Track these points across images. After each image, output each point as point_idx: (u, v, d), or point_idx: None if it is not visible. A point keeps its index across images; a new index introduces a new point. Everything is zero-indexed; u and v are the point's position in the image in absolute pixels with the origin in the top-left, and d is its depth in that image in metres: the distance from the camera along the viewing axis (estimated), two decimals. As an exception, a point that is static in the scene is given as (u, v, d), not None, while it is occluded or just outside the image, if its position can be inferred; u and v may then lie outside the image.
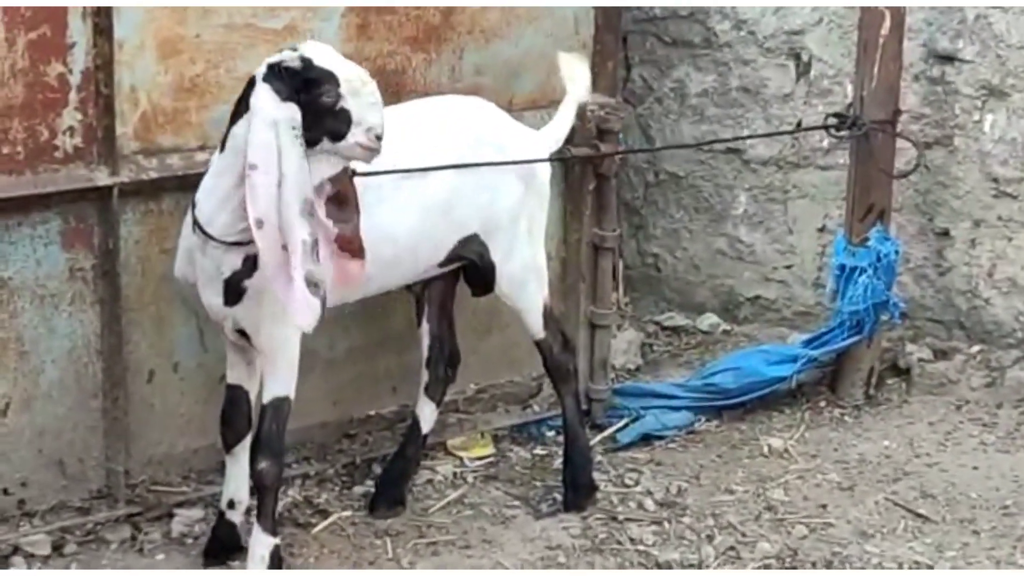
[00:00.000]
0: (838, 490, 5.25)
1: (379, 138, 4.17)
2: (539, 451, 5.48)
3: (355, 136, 4.15)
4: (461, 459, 5.36)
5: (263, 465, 4.42)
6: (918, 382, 5.93)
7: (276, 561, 4.50)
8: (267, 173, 4.07)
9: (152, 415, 4.88)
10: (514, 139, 4.87)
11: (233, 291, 4.32)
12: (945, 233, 6.02)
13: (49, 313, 4.62)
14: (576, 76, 5.03)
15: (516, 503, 5.11)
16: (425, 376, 5.08)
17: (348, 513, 4.98)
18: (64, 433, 4.73)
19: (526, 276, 4.92)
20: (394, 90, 5.01)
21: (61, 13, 4.42)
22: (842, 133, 5.66)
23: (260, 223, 4.09)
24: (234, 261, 4.30)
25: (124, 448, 4.79)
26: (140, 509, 4.83)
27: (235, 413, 4.58)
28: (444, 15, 5.08)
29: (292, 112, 4.08)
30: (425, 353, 5.07)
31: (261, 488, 4.46)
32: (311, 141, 4.12)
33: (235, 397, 4.58)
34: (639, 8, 6.31)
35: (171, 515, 4.87)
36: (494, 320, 5.46)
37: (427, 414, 5.09)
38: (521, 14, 5.24)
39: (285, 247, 4.08)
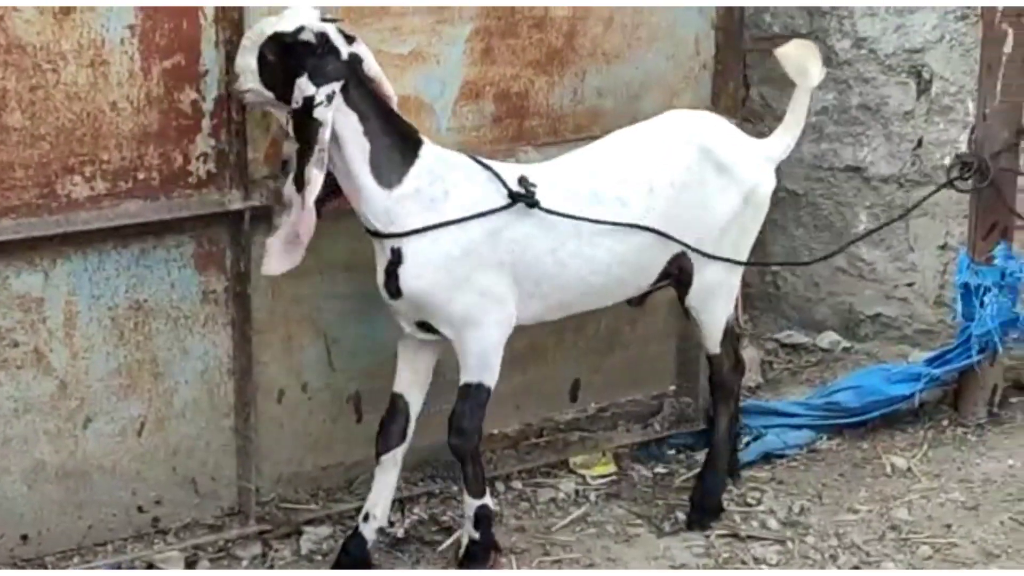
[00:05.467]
0: (962, 510, 5.22)
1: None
2: (660, 469, 5.49)
3: None
4: (583, 477, 5.39)
5: (453, 441, 4.56)
6: (1041, 400, 5.90)
7: (486, 521, 4.66)
8: None
9: (281, 434, 4.95)
10: (738, 155, 4.79)
11: (392, 282, 4.40)
12: (1070, 250, 5.97)
13: (183, 335, 4.70)
14: (808, 66, 4.88)
15: (639, 521, 5.13)
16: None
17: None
18: (197, 452, 4.81)
19: (718, 290, 4.89)
20: (517, 112, 5.07)
21: (195, 42, 4.50)
22: (967, 186, 5.57)
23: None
24: (386, 251, 4.40)
25: (255, 467, 4.86)
26: (270, 526, 4.90)
27: (391, 422, 4.63)
28: (567, 39, 5.12)
29: None
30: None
31: (456, 458, 4.63)
32: None
33: (395, 406, 4.63)
34: (758, 27, 6.32)
35: (300, 532, 4.93)
36: (616, 339, 5.49)
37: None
38: (642, 36, 5.27)
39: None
